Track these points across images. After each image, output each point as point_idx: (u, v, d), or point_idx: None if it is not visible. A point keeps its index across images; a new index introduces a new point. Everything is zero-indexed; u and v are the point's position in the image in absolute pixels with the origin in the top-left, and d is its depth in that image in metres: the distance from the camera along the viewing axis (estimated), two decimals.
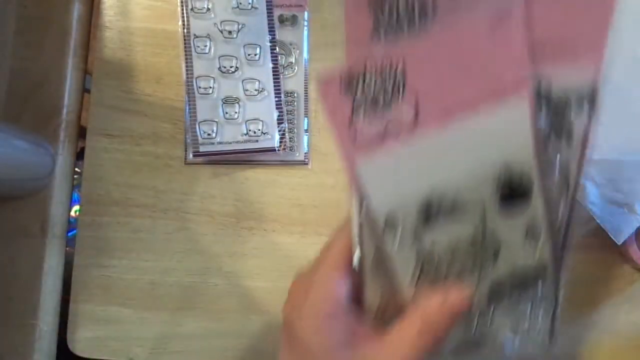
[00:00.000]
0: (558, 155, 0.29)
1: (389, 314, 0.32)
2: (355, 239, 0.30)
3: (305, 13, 0.43)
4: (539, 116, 0.27)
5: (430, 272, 0.31)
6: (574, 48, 0.26)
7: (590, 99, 0.27)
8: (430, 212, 0.29)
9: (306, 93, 0.43)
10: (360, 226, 0.30)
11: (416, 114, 0.27)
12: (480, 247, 0.30)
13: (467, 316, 0.33)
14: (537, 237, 0.31)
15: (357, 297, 0.32)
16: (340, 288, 0.31)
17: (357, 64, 0.26)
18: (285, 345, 0.32)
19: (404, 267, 0.31)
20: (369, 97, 0.27)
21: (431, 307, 0.30)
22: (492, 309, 0.33)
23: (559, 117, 0.28)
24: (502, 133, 0.28)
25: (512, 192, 0.29)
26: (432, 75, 0.26)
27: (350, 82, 0.26)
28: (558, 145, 0.28)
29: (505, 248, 0.31)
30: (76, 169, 0.44)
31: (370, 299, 0.32)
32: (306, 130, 0.43)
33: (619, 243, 0.40)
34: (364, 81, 0.26)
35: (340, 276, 0.31)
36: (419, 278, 0.31)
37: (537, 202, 0.30)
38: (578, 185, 0.30)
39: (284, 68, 0.42)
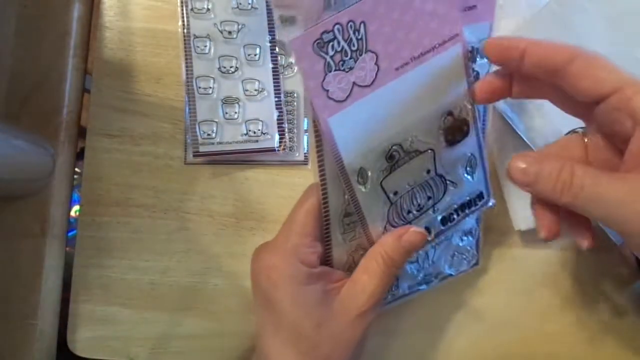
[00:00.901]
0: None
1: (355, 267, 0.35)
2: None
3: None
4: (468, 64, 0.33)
5: (396, 217, 0.35)
6: (477, 13, 0.33)
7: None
8: (394, 158, 0.33)
9: None
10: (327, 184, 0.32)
11: (377, 71, 0.30)
12: (434, 185, 0.35)
13: (420, 254, 0.38)
14: (474, 166, 0.36)
15: (325, 258, 0.34)
16: (311, 255, 0.33)
17: (327, 28, 0.28)
18: (264, 312, 0.33)
19: (375, 215, 0.34)
20: (337, 59, 0.29)
21: (389, 243, 0.33)
22: (437, 243, 0.38)
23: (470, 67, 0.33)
24: (443, 76, 0.32)
25: (455, 129, 0.34)
26: (388, 37, 0.30)
27: (322, 44, 0.29)
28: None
29: (451, 183, 0.35)
30: (76, 169, 0.44)
31: (337, 257, 0.35)
32: (306, 130, 0.43)
33: (618, 243, 0.40)
34: (333, 44, 0.29)
35: (309, 243, 0.33)
36: (387, 222, 0.34)
37: (472, 135, 0.35)
38: (485, 125, 0.37)
39: (284, 68, 0.42)
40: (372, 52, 0.30)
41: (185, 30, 0.42)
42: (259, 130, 0.42)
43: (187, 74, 0.42)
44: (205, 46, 0.42)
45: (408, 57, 0.31)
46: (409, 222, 0.35)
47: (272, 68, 0.42)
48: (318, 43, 0.28)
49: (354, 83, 0.30)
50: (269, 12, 0.42)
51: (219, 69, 0.42)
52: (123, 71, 0.43)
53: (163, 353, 0.42)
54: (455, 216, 0.36)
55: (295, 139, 0.42)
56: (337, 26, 0.28)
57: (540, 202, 0.32)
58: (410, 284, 0.39)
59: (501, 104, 0.41)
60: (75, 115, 0.44)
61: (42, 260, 0.42)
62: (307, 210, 0.33)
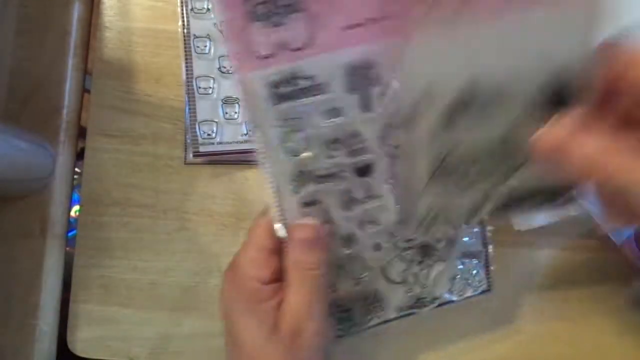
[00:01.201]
0: None
1: None
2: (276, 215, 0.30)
3: None
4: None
5: (447, 170, 0.29)
6: None
7: None
8: (465, 101, 0.26)
9: None
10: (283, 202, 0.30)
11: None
12: (505, 153, 0.28)
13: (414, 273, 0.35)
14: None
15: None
16: (264, 271, 0.31)
17: None
18: (226, 332, 0.32)
19: (423, 158, 0.28)
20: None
21: (291, 251, 0.31)
22: (428, 265, 0.34)
23: None
24: (558, 32, 0.25)
25: (559, 97, 0.27)
26: None
27: None
28: None
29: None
30: (76, 169, 0.44)
31: None
32: None
33: (619, 243, 0.40)
34: None
35: (265, 257, 0.31)
36: (434, 174, 0.29)
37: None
38: None
39: None
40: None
41: (185, 30, 0.42)
42: None
43: (187, 74, 0.42)
44: (205, 46, 0.42)
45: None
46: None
47: None
48: None
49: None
50: None
51: (219, 69, 0.42)
52: (123, 71, 0.43)
53: (163, 353, 0.42)
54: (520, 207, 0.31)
55: None
56: None
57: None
58: (397, 308, 0.36)
59: None
60: (75, 115, 0.44)
61: (42, 260, 0.42)
62: (267, 222, 0.31)
